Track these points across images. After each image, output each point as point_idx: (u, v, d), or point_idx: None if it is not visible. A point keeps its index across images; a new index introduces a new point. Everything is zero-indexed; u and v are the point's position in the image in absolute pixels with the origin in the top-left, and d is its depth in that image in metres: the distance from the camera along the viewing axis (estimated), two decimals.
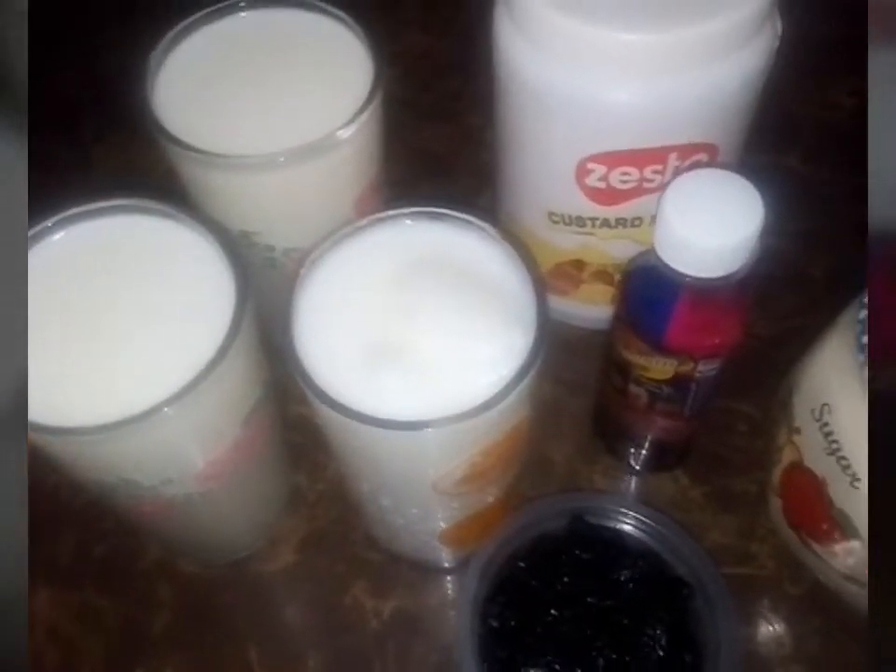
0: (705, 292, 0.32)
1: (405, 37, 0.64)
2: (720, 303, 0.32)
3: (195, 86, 0.37)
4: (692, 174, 0.30)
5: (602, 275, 0.44)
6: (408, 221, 0.32)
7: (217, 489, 0.35)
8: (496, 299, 0.31)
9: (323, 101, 0.37)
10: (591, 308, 0.46)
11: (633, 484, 0.45)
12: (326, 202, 0.38)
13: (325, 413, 0.30)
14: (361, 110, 0.35)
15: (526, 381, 0.29)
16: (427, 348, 0.30)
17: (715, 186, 0.30)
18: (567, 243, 0.43)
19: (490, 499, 0.36)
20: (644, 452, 0.43)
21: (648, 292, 0.34)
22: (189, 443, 0.31)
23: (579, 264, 0.44)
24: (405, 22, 0.65)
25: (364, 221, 0.32)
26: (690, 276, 0.31)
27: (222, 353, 0.29)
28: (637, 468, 0.44)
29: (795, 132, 0.57)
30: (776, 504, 0.40)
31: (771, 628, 0.40)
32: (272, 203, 0.37)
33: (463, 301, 0.30)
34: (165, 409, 0.28)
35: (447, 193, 0.55)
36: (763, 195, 0.54)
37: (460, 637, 0.35)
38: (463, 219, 0.32)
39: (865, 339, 0.31)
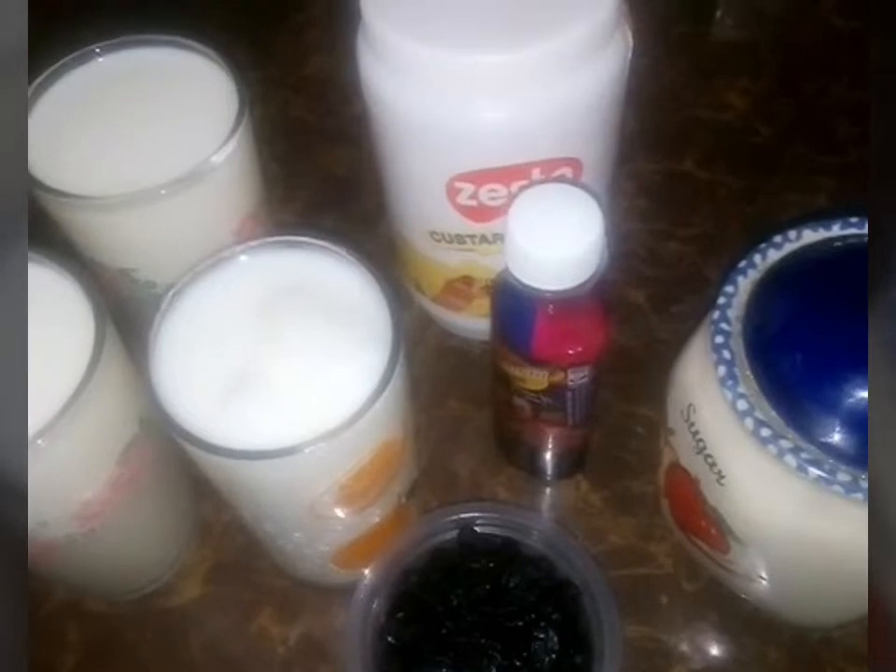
0: (560, 304, 0.32)
1: (311, 62, 0.65)
2: (577, 313, 0.33)
3: (61, 133, 0.37)
4: (534, 190, 0.31)
5: (490, 290, 0.44)
6: (267, 250, 0.33)
7: (102, 530, 0.35)
8: (354, 322, 0.31)
9: (192, 134, 0.37)
10: (485, 322, 0.47)
11: (535, 493, 0.46)
12: (203, 234, 0.38)
13: (186, 447, 0.30)
14: (231, 135, 0.36)
15: (382, 400, 0.29)
16: (286, 376, 0.30)
17: (557, 201, 0.31)
18: (452, 260, 0.43)
19: (376, 519, 0.36)
20: (542, 460, 0.44)
21: (511, 307, 0.34)
22: (60, 481, 0.31)
23: (468, 280, 0.44)
24: (312, 48, 0.65)
25: (225, 253, 0.32)
26: (541, 290, 0.31)
27: (82, 385, 0.29)
28: (538, 476, 0.45)
29: (689, 137, 0.58)
30: (665, 505, 0.40)
31: (669, 625, 0.40)
32: (145, 240, 0.37)
33: (322, 326, 0.31)
34: (38, 441, 0.28)
35: (352, 217, 0.56)
36: (660, 201, 0.56)
37: (348, 657, 0.35)
38: (321, 246, 0.32)
39: (718, 339, 0.32)
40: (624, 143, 0.45)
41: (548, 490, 0.46)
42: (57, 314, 0.32)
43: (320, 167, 0.59)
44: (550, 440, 0.41)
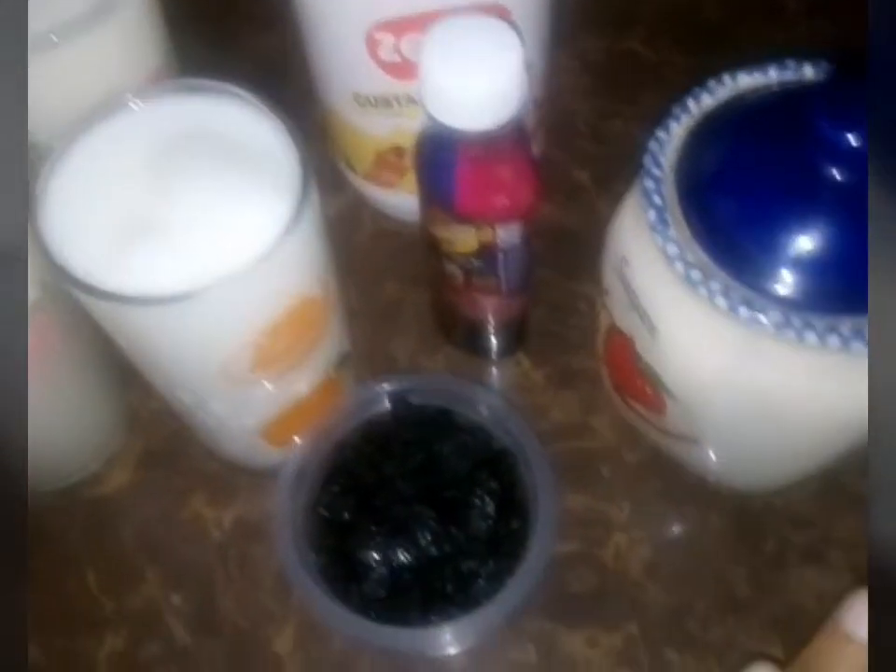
0: (482, 147, 0.31)
1: None
2: (500, 160, 0.31)
3: None
4: (450, 21, 0.29)
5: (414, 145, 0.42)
6: (165, 96, 0.30)
7: None
8: (260, 167, 0.29)
9: None
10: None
11: (476, 372, 0.44)
12: (104, 91, 0.35)
13: (87, 303, 0.28)
14: None
15: (289, 246, 0.27)
16: (186, 221, 0.28)
17: (474, 31, 0.29)
18: (380, 128, 0.41)
19: (303, 389, 0.35)
20: (480, 337, 0.43)
21: (434, 157, 0.33)
22: None
23: (398, 151, 0.42)
24: None
25: (120, 99, 0.30)
26: (460, 130, 0.29)
27: None
28: (479, 355, 0.44)
29: (634, 14, 0.56)
30: (604, 373, 0.39)
31: (610, 495, 0.40)
32: (41, 96, 0.35)
33: (225, 171, 0.29)
34: None
35: (283, 99, 0.53)
36: (605, 80, 0.54)
37: (278, 531, 0.34)
38: (222, 90, 0.30)
39: (648, 184, 0.31)
40: (569, 19, 0.43)
41: (489, 369, 0.45)
42: None
43: (248, 49, 0.56)
44: (486, 311, 0.40)
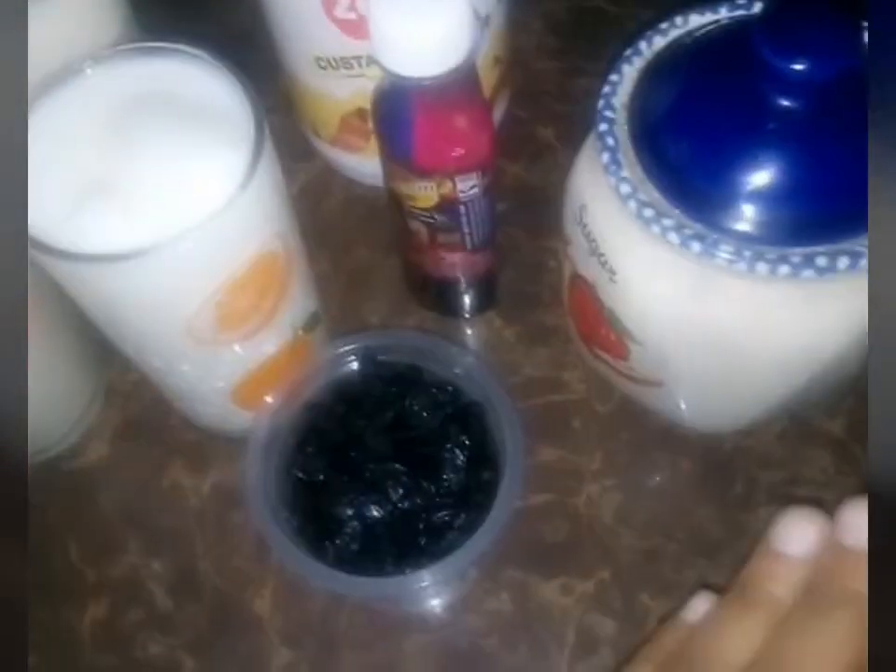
0: (435, 96, 0.31)
1: None
2: (455, 110, 0.32)
3: None
4: None
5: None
6: (123, 58, 0.31)
7: None
8: (215, 126, 0.29)
9: None
10: None
11: (448, 332, 0.45)
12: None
13: (47, 264, 0.28)
14: None
15: (245, 200, 0.28)
16: (142, 180, 0.28)
17: None
18: (342, 91, 0.41)
19: (271, 349, 0.35)
20: (450, 296, 0.43)
21: (390, 111, 0.33)
22: None
23: (361, 114, 0.42)
24: None
25: (75, 64, 0.30)
26: (412, 78, 0.30)
27: None
28: (450, 315, 0.44)
29: None
30: (571, 325, 0.40)
31: (582, 446, 0.40)
32: None
33: (179, 129, 0.29)
34: None
35: (249, 67, 0.53)
36: (568, 38, 0.54)
37: (249, 493, 0.34)
38: (179, 51, 0.30)
39: (602, 126, 0.31)
40: None
41: (461, 328, 0.45)
42: None
43: (214, 21, 0.56)
44: (452, 268, 0.40)
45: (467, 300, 0.43)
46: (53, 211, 0.28)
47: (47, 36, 0.34)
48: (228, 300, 0.30)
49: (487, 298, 0.44)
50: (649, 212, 0.29)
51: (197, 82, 0.30)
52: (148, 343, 0.33)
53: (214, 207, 0.27)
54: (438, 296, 0.43)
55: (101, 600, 0.39)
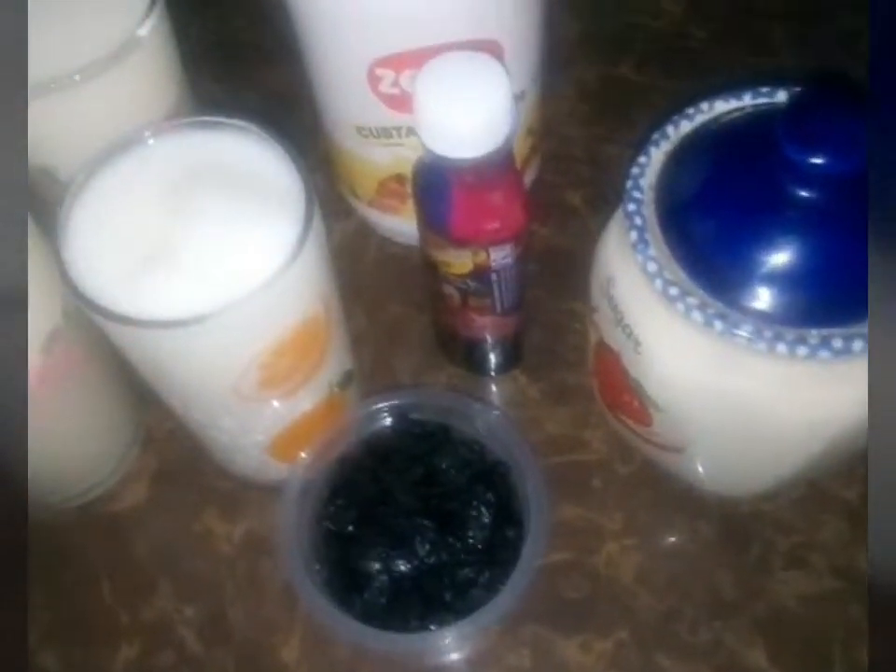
0: (474, 175, 0.32)
1: None
2: (492, 186, 0.33)
3: None
4: (440, 57, 0.31)
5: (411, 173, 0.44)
6: (180, 131, 0.33)
7: (34, 426, 0.35)
8: (267, 198, 0.31)
9: (108, 15, 0.36)
10: None
11: (474, 389, 0.46)
12: (124, 127, 0.38)
13: (106, 327, 0.30)
14: (146, 14, 0.35)
15: (295, 269, 0.29)
16: (199, 249, 0.30)
17: (464, 67, 0.31)
18: (382, 157, 0.43)
19: (308, 407, 0.37)
20: (478, 355, 0.44)
21: (430, 185, 0.35)
22: None
23: (399, 178, 0.44)
24: None
25: (137, 134, 0.32)
26: (454, 159, 0.32)
27: None
28: (477, 372, 0.46)
29: (626, 42, 0.58)
30: (595, 386, 0.41)
31: (602, 506, 0.41)
32: (67, 131, 0.37)
33: (235, 200, 0.31)
34: None
35: (291, 132, 0.55)
36: (598, 106, 0.56)
37: (282, 544, 0.36)
38: (234, 126, 0.32)
39: (630, 206, 0.33)
40: (565, 48, 0.44)
41: (487, 385, 0.46)
42: None
43: (260, 84, 0.58)
44: (482, 329, 0.42)
45: (494, 358, 0.45)
46: (112, 275, 0.30)
47: (109, 105, 0.37)
48: (272, 361, 0.32)
49: (513, 357, 0.45)
50: (674, 290, 0.31)
51: (249, 154, 0.32)
52: (193, 398, 0.34)
53: (265, 277, 0.29)
54: (466, 354, 0.45)
55: (133, 642, 0.40)
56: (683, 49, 0.58)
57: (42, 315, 0.33)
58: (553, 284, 0.48)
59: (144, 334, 0.29)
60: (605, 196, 0.52)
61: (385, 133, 0.41)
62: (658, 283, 0.31)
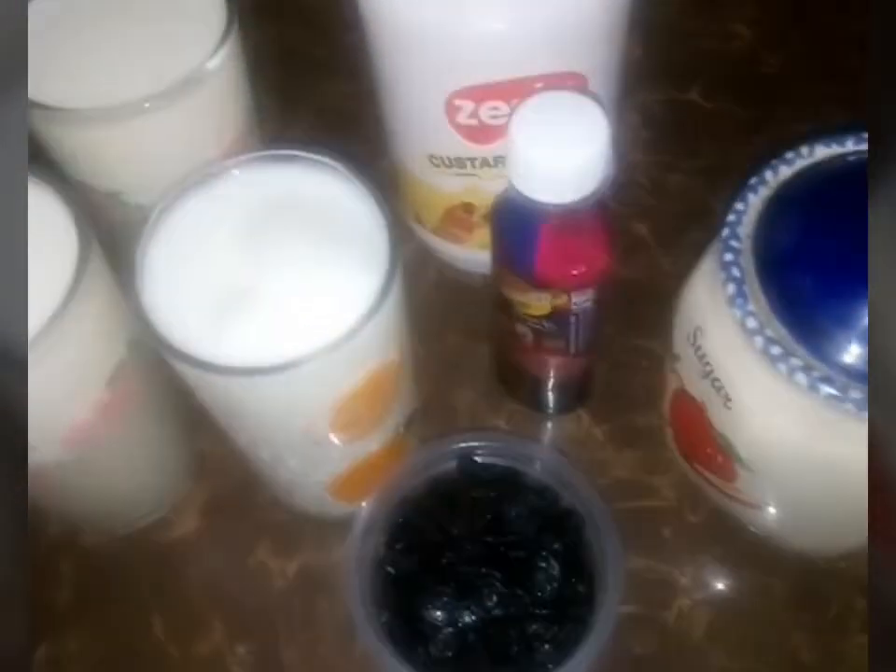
0: (563, 219, 0.31)
1: None
2: (581, 230, 0.32)
3: (50, 44, 0.36)
4: (538, 97, 0.30)
5: (491, 211, 0.43)
6: (258, 165, 0.31)
7: (91, 456, 0.34)
8: (348, 239, 0.30)
9: (182, 48, 0.36)
10: (487, 253, 0.45)
11: (536, 427, 0.45)
12: (194, 152, 0.36)
13: (179, 367, 0.29)
14: (220, 45, 0.35)
15: (377, 319, 0.28)
16: (279, 293, 0.29)
17: (561, 109, 0.29)
18: (453, 186, 0.42)
19: (374, 448, 0.36)
20: (543, 393, 0.43)
21: (513, 226, 0.33)
22: (45, 404, 0.30)
23: (468, 208, 0.43)
24: None
25: (214, 168, 0.31)
26: (545, 203, 0.30)
27: (65, 305, 0.28)
28: (540, 410, 0.44)
29: (695, 67, 0.57)
30: (669, 434, 0.40)
31: (672, 557, 0.40)
32: (131, 159, 0.36)
33: (315, 242, 0.30)
34: None
35: (349, 151, 0.54)
36: (665, 133, 0.54)
37: (347, 587, 0.34)
38: (315, 160, 0.31)
39: (727, 256, 0.31)
40: (630, 73, 0.43)
41: (549, 424, 0.45)
42: (40, 231, 0.30)
43: (317, 99, 0.57)
44: (551, 369, 0.40)
45: (558, 397, 0.43)
46: (191, 317, 0.29)
47: (176, 130, 0.36)
48: (347, 406, 0.31)
49: (579, 396, 0.44)
50: (776, 350, 0.29)
51: (332, 192, 0.31)
52: (262, 439, 0.33)
53: (348, 326, 0.28)
54: (530, 392, 0.43)
55: None
56: (754, 75, 0.56)
57: (108, 348, 0.32)
58: (620, 319, 0.46)
59: (220, 379, 0.28)
60: (672, 227, 0.51)
61: (458, 163, 0.40)
62: (758, 340, 0.29)
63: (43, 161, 0.36)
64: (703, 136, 0.54)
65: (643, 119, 0.55)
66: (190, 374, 0.29)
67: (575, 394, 0.43)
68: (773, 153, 0.42)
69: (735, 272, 0.31)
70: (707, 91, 0.56)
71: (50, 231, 0.30)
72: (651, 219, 0.51)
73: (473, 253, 0.46)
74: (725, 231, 0.32)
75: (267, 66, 0.56)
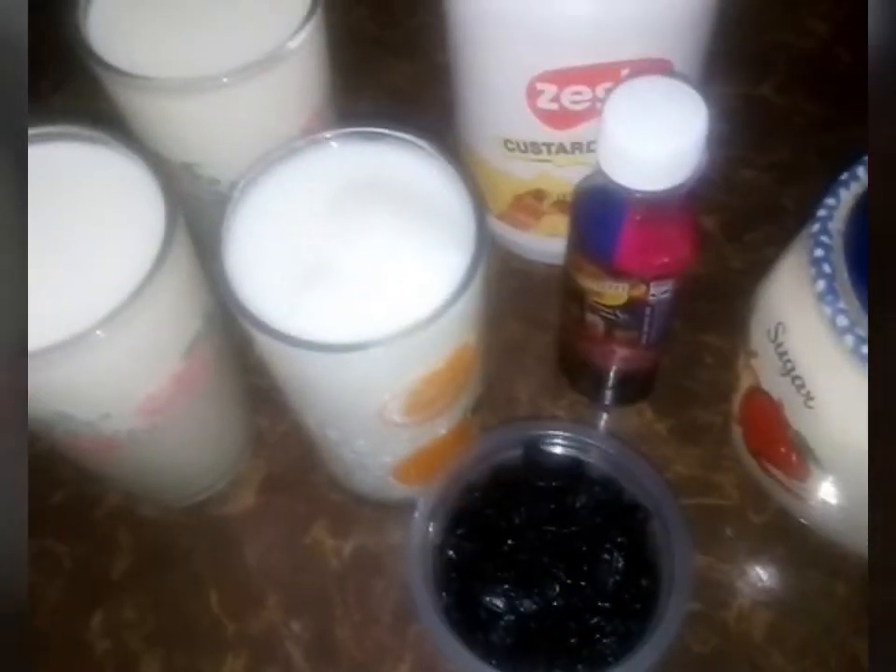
0: (651, 207, 0.31)
1: None
2: (667, 219, 0.31)
3: (130, 11, 0.36)
4: (633, 81, 0.29)
5: (562, 205, 0.42)
6: (343, 142, 0.31)
7: (162, 427, 0.34)
8: (433, 218, 0.30)
9: (265, 22, 0.36)
10: (554, 241, 0.45)
11: (597, 419, 0.44)
12: (269, 129, 0.37)
13: (259, 340, 0.29)
14: (305, 21, 0.35)
15: (462, 301, 0.28)
16: (361, 270, 0.29)
17: (658, 93, 0.29)
18: (525, 172, 0.41)
19: (442, 431, 0.35)
20: (607, 385, 0.43)
21: (596, 212, 0.33)
22: (124, 373, 0.30)
23: (539, 194, 0.43)
24: None
25: (298, 143, 0.31)
26: (635, 190, 0.30)
27: (152, 275, 0.28)
28: (602, 402, 0.44)
29: (768, 61, 0.56)
30: (737, 432, 0.39)
31: (734, 556, 0.39)
32: (208, 132, 0.36)
33: (399, 221, 0.29)
34: (97, 332, 0.27)
35: (415, 131, 0.54)
36: (736, 127, 0.53)
37: (411, 570, 0.34)
38: (400, 138, 0.31)
39: (818, 252, 0.30)
40: (704, 64, 0.42)
41: (610, 417, 0.44)
42: (127, 201, 0.30)
43: (382, 79, 0.57)
44: (619, 361, 0.40)
45: (623, 390, 0.43)
46: (274, 288, 0.29)
47: (254, 105, 0.35)
48: (422, 388, 0.31)
49: (642, 391, 0.43)
50: (867, 349, 0.28)
51: (420, 171, 0.31)
52: (333, 418, 0.33)
53: (433, 307, 0.27)
54: (593, 383, 0.43)
55: (240, 654, 0.39)
56: (829, 71, 0.55)
57: (187, 319, 0.32)
58: (685, 313, 0.45)
59: (299, 353, 0.28)
60: (741, 222, 0.50)
61: (534, 148, 0.39)
62: (849, 339, 0.29)
63: (122, 130, 0.37)
64: (774, 132, 0.53)
65: (715, 113, 0.54)
66: (269, 348, 0.29)
67: (638, 387, 0.43)
68: (844, 152, 0.42)
69: (826, 268, 0.30)
70: (779, 86, 0.55)
71: (135, 198, 0.30)
72: (720, 214, 0.50)
73: (540, 241, 0.46)
74: (816, 227, 0.31)
75: (333, 47, 0.56)
